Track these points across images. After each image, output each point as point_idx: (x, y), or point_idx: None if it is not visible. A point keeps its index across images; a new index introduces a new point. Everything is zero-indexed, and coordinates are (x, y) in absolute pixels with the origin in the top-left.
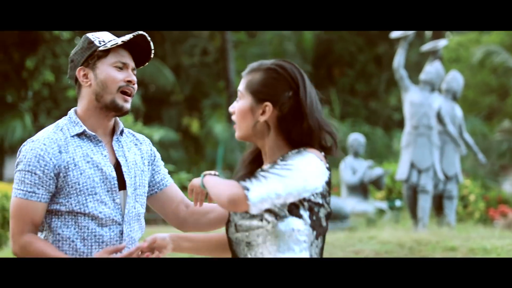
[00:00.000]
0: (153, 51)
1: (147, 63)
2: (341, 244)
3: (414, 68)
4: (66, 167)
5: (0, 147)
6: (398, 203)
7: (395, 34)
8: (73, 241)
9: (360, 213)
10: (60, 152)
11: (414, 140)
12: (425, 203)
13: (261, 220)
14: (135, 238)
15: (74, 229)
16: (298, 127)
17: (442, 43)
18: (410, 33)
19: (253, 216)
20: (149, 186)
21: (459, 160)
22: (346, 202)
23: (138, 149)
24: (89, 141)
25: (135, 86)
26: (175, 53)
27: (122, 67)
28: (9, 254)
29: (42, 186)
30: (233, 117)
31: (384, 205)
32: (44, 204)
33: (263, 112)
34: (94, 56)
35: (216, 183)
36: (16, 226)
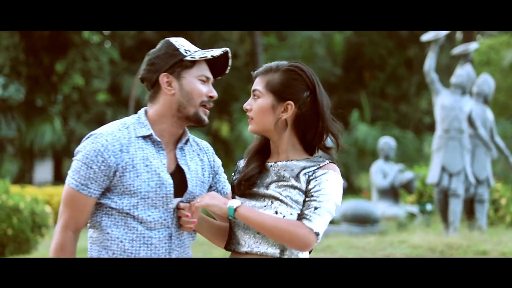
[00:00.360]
0: (229, 67)
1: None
2: (371, 248)
3: (445, 71)
4: (124, 167)
5: (30, 151)
6: (429, 207)
7: (426, 36)
8: (121, 241)
9: (391, 217)
10: (121, 151)
11: (445, 143)
12: (456, 207)
13: (276, 212)
14: (185, 242)
15: (124, 229)
16: (314, 127)
17: (473, 46)
18: (441, 35)
19: (265, 206)
20: None
21: (490, 164)
22: (376, 206)
23: (200, 159)
24: (152, 145)
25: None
26: None
27: (206, 80)
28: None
29: (96, 181)
30: (250, 114)
31: (415, 209)
32: (94, 199)
33: (285, 110)
34: (181, 65)
35: (270, 220)
36: (64, 213)
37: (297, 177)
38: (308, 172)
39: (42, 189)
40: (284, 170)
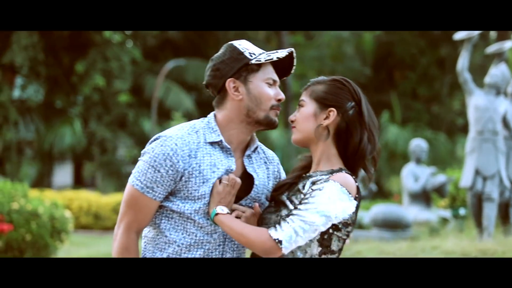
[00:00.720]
0: (294, 67)
1: (284, 78)
2: (402, 254)
3: (479, 71)
4: (191, 172)
5: (49, 154)
6: (462, 211)
7: (458, 35)
8: (178, 246)
9: (423, 221)
10: (189, 156)
11: (478, 146)
12: (490, 211)
13: (277, 216)
14: (239, 246)
15: (182, 234)
16: (355, 140)
17: (507, 44)
18: (475, 34)
19: (274, 211)
20: None
21: None
22: (408, 211)
23: (266, 168)
24: (221, 151)
25: None
26: None
27: (273, 83)
28: None
29: (162, 185)
30: (294, 124)
31: (447, 213)
32: (158, 203)
33: (327, 117)
34: (247, 69)
35: (237, 227)
36: (126, 215)
37: (305, 184)
38: (316, 180)
39: (62, 193)
40: (306, 179)
